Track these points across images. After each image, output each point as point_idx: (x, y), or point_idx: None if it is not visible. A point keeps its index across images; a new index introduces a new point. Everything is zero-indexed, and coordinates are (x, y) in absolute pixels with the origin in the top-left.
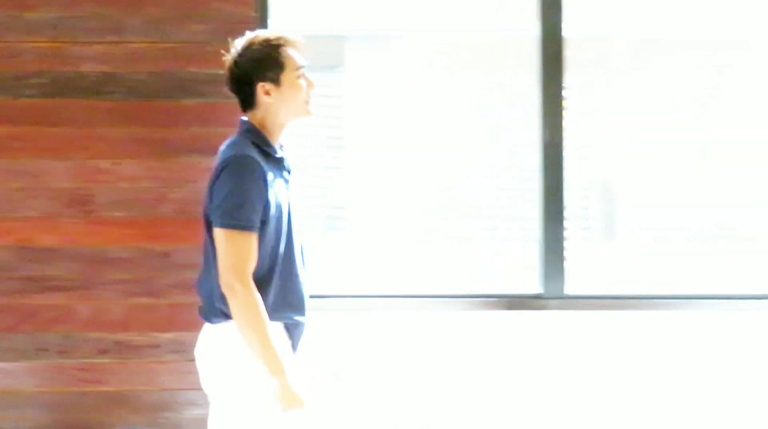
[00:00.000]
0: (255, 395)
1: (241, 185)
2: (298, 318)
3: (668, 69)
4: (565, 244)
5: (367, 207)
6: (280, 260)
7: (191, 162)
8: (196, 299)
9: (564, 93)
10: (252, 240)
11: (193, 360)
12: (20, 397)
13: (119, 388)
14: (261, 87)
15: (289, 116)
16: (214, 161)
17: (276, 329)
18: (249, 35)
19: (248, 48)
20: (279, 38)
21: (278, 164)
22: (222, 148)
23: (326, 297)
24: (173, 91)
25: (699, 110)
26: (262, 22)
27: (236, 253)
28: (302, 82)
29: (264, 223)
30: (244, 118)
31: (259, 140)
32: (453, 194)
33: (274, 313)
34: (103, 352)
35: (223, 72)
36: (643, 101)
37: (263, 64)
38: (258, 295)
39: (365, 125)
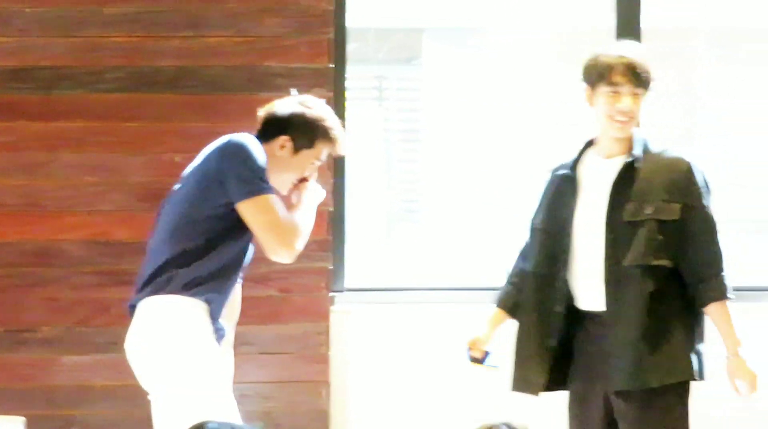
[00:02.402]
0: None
1: (253, 155)
2: (217, 312)
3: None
4: None
5: (443, 200)
6: (237, 247)
7: None
8: (268, 292)
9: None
10: (276, 202)
11: (266, 353)
12: (93, 392)
13: None
14: (284, 140)
15: (276, 175)
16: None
17: (198, 307)
18: (322, 104)
19: (313, 111)
20: (331, 130)
21: None
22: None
23: (394, 290)
24: (249, 85)
25: None
26: (339, 16)
27: (273, 214)
28: (310, 168)
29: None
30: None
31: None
32: (524, 190)
33: (201, 286)
34: None
35: (301, 65)
36: (725, 93)
37: (304, 130)
38: (296, 224)
39: (441, 118)
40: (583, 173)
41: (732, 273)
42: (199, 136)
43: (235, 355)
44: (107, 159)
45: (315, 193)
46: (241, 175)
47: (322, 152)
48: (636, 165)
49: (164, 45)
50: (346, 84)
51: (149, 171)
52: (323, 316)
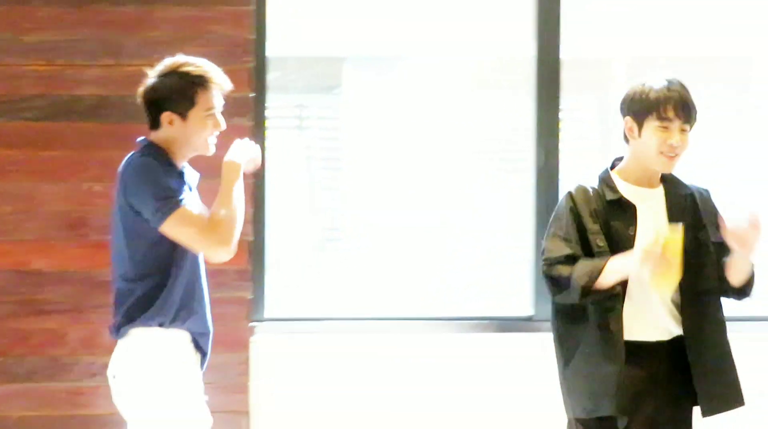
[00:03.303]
0: (175, 405)
1: (151, 176)
2: (204, 328)
3: None
4: None
5: (363, 227)
6: (188, 261)
7: None
8: None
9: (560, 115)
10: (190, 210)
11: None
12: (9, 422)
13: (109, 411)
14: (167, 116)
15: (188, 150)
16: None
17: (181, 340)
18: (176, 59)
19: (168, 74)
20: (199, 76)
21: (179, 178)
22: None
23: (315, 320)
24: None
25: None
26: (260, 45)
27: (193, 224)
28: (209, 121)
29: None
30: (141, 138)
31: (158, 156)
32: (446, 215)
33: (177, 320)
34: (94, 375)
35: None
36: None
37: (175, 96)
38: (220, 219)
39: (362, 146)
40: (632, 200)
41: None
42: (118, 165)
43: None
44: (26, 188)
45: (233, 165)
46: (147, 202)
47: (209, 101)
48: (684, 193)
49: (84, 73)
50: (267, 113)
51: (69, 200)
52: (243, 346)
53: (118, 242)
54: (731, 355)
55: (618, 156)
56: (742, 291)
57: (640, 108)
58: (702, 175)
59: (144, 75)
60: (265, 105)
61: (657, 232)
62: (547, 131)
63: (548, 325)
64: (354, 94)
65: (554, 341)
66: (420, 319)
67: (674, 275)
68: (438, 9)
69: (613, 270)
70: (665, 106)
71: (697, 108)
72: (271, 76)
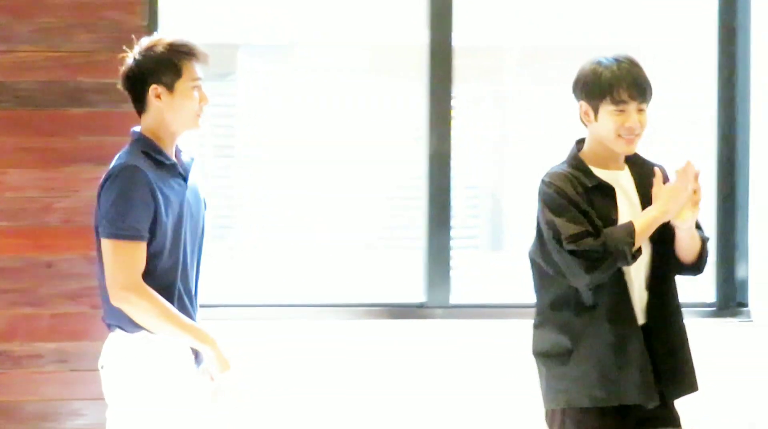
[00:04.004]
0: (157, 406)
1: (126, 194)
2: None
3: (560, 77)
4: (451, 253)
5: (257, 215)
6: (180, 270)
7: (77, 171)
8: (80, 309)
9: (453, 103)
10: (140, 249)
11: (76, 370)
12: None
13: (1, 399)
14: (153, 89)
15: (178, 125)
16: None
17: (173, 344)
18: (157, 36)
19: (151, 48)
20: (183, 46)
21: (171, 171)
22: (114, 161)
23: (212, 306)
24: (61, 101)
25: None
26: (152, 32)
27: (125, 264)
28: (196, 93)
29: (156, 232)
30: (136, 128)
31: (148, 148)
32: (340, 202)
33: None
34: None
35: (113, 81)
36: (533, 111)
37: (161, 67)
38: (156, 294)
39: (257, 134)
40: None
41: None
42: (9, 151)
43: (47, 372)
44: None
45: (223, 360)
46: (107, 215)
47: (194, 71)
48: (649, 172)
49: None
50: None
51: None
52: None
53: (97, 240)
54: (688, 340)
55: (579, 138)
56: (695, 266)
57: (593, 92)
58: None
59: (34, 60)
60: None
61: (689, 165)
62: (440, 118)
63: (440, 311)
64: (248, 81)
65: (546, 331)
66: (312, 306)
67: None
68: None
69: (647, 223)
70: (618, 89)
71: (652, 84)
72: None
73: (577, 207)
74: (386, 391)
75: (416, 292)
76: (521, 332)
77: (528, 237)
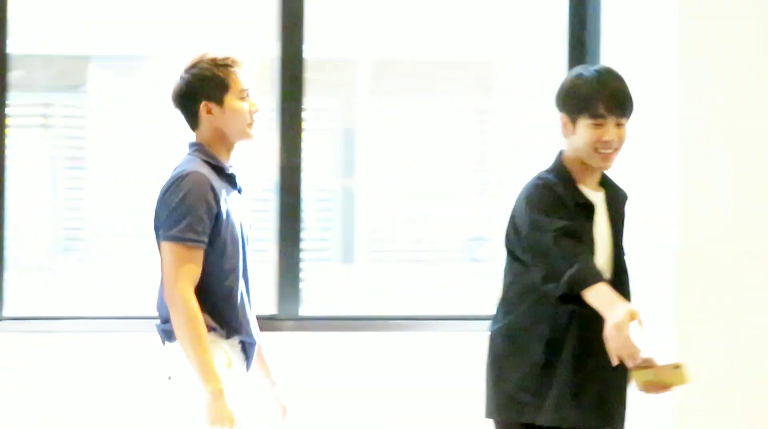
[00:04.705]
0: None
1: (188, 200)
2: (251, 337)
3: (411, 90)
4: (302, 265)
5: (107, 227)
6: (239, 276)
7: None
8: None
9: (304, 115)
10: (198, 255)
11: None
12: None
13: None
14: (204, 106)
15: (231, 137)
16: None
17: (233, 347)
18: (198, 53)
19: (195, 66)
20: (227, 59)
21: (230, 181)
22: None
23: (55, 318)
24: None
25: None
26: (1, 42)
27: (181, 268)
28: (245, 104)
29: (217, 239)
30: (192, 140)
31: (208, 157)
32: None
33: (232, 330)
34: None
35: None
36: (386, 123)
37: (208, 84)
38: (198, 311)
39: (108, 145)
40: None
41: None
42: None
43: None
44: None
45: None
46: (168, 220)
47: (239, 83)
48: (620, 197)
49: None
50: (9, 111)
51: None
52: None
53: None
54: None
55: (559, 150)
56: None
57: (573, 105)
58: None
59: None
60: (7, 103)
61: (629, 314)
62: (291, 130)
63: (291, 324)
64: (99, 93)
65: (511, 343)
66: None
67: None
68: (182, 8)
69: (602, 299)
70: (597, 102)
71: (633, 98)
72: (14, 74)
73: (568, 213)
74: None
75: (267, 305)
76: (372, 345)
77: (376, 251)
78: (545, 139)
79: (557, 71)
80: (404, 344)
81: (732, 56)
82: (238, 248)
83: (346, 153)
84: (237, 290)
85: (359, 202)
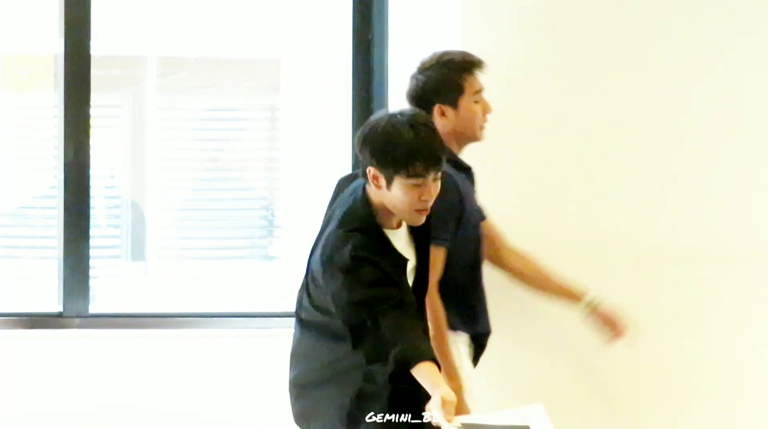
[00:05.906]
0: None
1: (440, 203)
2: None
3: (199, 86)
4: (91, 263)
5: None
6: (479, 269)
7: None
8: None
9: (91, 111)
10: (441, 254)
11: None
12: None
13: None
14: (438, 109)
15: (463, 139)
16: None
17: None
18: (437, 53)
19: (431, 67)
20: (463, 61)
21: (468, 174)
22: None
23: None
24: None
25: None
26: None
27: (436, 268)
28: (478, 107)
29: (461, 235)
30: None
31: (451, 155)
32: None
33: (468, 323)
34: None
35: None
36: (178, 121)
37: (443, 87)
38: (441, 309)
39: None
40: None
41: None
42: None
43: None
44: None
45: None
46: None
47: (475, 84)
48: None
49: None
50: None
51: None
52: None
53: None
54: None
55: (363, 193)
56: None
57: (387, 162)
58: None
59: None
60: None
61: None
62: (77, 128)
63: (79, 321)
64: None
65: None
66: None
67: None
68: None
69: (431, 378)
70: (416, 162)
71: (444, 147)
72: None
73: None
74: (26, 405)
75: (52, 302)
76: (162, 342)
77: (167, 249)
78: (333, 136)
79: (344, 69)
80: (195, 341)
81: (511, 51)
82: (478, 242)
83: (135, 149)
84: (478, 287)
85: (149, 200)
